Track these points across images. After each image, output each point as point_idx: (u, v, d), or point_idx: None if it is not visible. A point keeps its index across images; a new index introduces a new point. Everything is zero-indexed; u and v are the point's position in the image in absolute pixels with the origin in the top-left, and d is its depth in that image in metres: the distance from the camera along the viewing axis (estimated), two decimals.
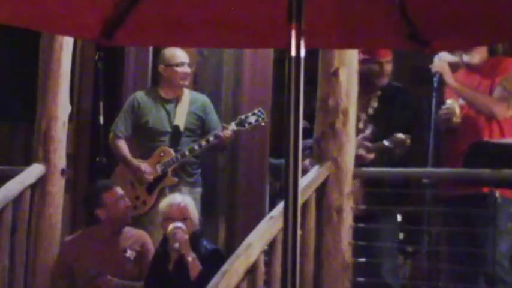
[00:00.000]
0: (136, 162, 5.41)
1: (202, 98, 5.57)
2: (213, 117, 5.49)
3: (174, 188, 5.32)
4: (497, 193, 4.41)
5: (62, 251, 5.00)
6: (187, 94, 5.53)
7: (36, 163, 5.03)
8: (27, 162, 5.10)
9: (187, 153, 5.32)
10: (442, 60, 4.69)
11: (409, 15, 2.61)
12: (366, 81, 4.89)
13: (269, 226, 4.16)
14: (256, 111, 5.30)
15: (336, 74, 4.52)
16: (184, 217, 4.59)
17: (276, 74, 5.93)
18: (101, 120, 5.69)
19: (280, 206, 4.18)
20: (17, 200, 4.84)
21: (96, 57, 5.80)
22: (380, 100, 4.92)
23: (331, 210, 4.47)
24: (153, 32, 2.80)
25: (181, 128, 5.42)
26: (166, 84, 5.52)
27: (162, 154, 5.38)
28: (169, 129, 5.44)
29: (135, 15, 2.64)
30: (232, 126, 5.27)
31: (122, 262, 4.82)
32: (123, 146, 5.48)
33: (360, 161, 4.66)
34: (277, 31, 2.49)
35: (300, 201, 2.21)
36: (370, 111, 4.91)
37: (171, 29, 2.77)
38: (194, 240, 4.56)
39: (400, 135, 4.65)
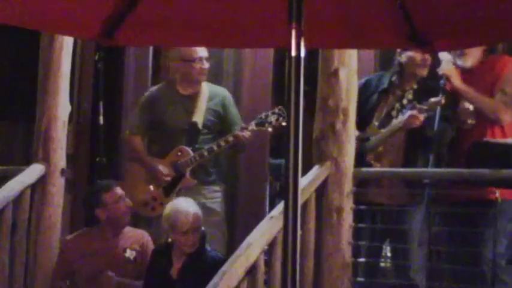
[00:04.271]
0: (152, 162, 5.26)
1: (222, 93, 5.40)
2: (233, 112, 5.31)
3: (192, 189, 5.21)
4: (497, 193, 4.41)
5: (62, 250, 5.00)
6: (206, 89, 5.35)
7: (36, 163, 5.03)
8: (27, 162, 5.10)
9: (205, 153, 5.15)
10: (448, 63, 4.69)
11: (410, 15, 2.61)
12: (406, 71, 4.89)
13: (269, 226, 4.16)
14: (276, 110, 5.10)
15: (336, 74, 4.52)
16: (200, 225, 4.53)
17: (276, 74, 5.93)
18: (101, 120, 5.68)
19: (280, 206, 4.18)
20: (17, 200, 4.84)
21: (96, 57, 5.79)
22: (415, 94, 4.87)
23: (331, 210, 4.47)
24: (153, 32, 2.80)
25: (199, 125, 5.26)
26: (183, 80, 5.34)
27: (179, 153, 5.23)
28: (186, 127, 5.27)
29: (135, 15, 2.64)
30: (252, 126, 5.09)
31: (121, 262, 4.82)
32: (138, 144, 5.36)
33: (410, 123, 4.67)
34: (277, 31, 2.49)
35: (300, 201, 2.21)
36: (405, 101, 4.88)
37: (171, 29, 2.77)
38: (199, 244, 4.53)
39: (434, 98, 4.64)
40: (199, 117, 5.28)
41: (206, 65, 5.29)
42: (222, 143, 5.14)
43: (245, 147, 5.29)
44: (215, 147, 5.15)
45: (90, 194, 5.07)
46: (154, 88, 5.54)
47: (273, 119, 5.07)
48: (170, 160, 5.25)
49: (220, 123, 5.29)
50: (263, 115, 5.12)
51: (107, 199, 4.84)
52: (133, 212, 5.06)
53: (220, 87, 5.50)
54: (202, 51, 5.25)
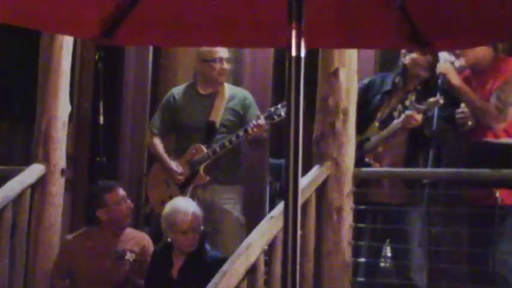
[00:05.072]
0: (168, 162, 5.31)
1: (243, 94, 5.41)
2: (253, 112, 5.28)
3: (208, 188, 5.23)
4: (497, 193, 4.40)
5: (62, 249, 5.00)
6: (227, 89, 5.36)
7: (36, 163, 5.03)
8: (27, 162, 5.10)
9: (218, 149, 5.18)
10: (446, 62, 4.68)
11: (410, 15, 2.61)
12: (409, 72, 4.87)
13: (269, 226, 4.16)
14: (286, 102, 5.07)
15: (336, 74, 4.52)
16: (199, 224, 4.52)
17: (276, 74, 5.93)
18: (101, 120, 5.68)
19: (280, 206, 4.18)
20: (17, 200, 4.84)
21: (96, 57, 5.79)
22: (419, 95, 4.86)
23: (331, 210, 4.47)
24: (153, 32, 2.80)
25: (217, 124, 5.28)
26: (203, 80, 5.37)
27: (194, 151, 5.25)
28: (204, 126, 5.29)
29: (135, 15, 2.64)
30: (261, 119, 5.06)
31: (121, 263, 4.81)
32: (158, 144, 5.39)
33: (407, 122, 4.67)
34: (277, 31, 2.49)
35: (300, 201, 2.21)
36: (407, 103, 4.87)
37: (171, 29, 2.77)
38: (199, 244, 4.52)
39: (432, 98, 4.63)
40: (217, 117, 5.30)
41: (226, 65, 5.31)
42: (234, 139, 5.17)
43: (260, 142, 5.28)
44: (227, 143, 5.18)
45: (92, 194, 5.07)
46: (176, 88, 5.56)
47: (282, 112, 5.00)
48: (186, 158, 5.29)
49: (239, 123, 5.28)
50: (272, 108, 5.12)
51: (108, 200, 4.83)
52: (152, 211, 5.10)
53: (241, 89, 5.53)
54: (223, 52, 5.26)
